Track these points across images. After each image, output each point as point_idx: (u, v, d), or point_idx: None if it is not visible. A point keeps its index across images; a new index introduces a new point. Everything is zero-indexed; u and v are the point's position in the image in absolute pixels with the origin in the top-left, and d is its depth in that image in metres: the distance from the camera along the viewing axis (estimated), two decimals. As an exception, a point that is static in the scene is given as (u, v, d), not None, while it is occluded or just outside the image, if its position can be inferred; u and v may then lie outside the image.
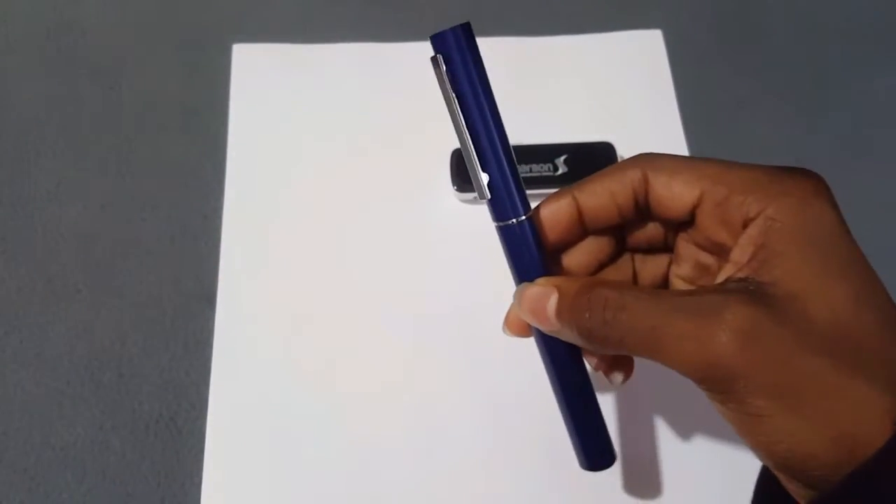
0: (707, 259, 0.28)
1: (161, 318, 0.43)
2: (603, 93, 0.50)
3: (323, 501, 0.39)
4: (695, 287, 0.29)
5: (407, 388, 0.41)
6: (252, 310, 0.43)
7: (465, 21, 0.26)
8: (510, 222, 0.28)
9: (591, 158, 0.46)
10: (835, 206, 0.24)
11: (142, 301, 0.43)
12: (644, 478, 0.40)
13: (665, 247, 0.30)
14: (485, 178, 0.27)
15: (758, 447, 0.23)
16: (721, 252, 0.27)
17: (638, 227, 0.30)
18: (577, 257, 0.30)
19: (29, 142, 0.48)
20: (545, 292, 0.27)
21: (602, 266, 0.30)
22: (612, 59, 0.51)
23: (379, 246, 0.45)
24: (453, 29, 0.26)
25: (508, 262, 0.29)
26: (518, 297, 0.28)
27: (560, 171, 0.46)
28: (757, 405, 0.22)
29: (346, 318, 0.43)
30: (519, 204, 0.28)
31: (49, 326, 0.43)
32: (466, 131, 0.27)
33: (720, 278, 0.25)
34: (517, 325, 0.29)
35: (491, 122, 0.27)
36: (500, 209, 0.28)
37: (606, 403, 0.40)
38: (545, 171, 0.46)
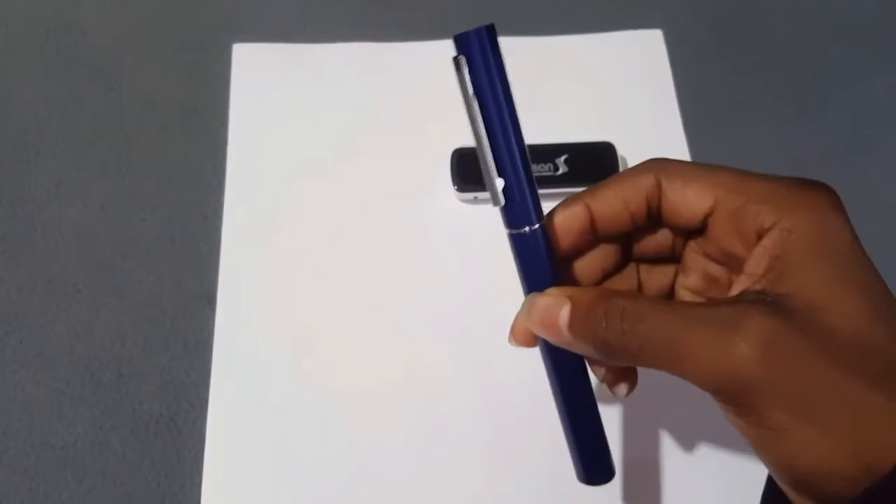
0: (717, 270, 0.28)
1: (161, 318, 0.43)
2: (603, 93, 0.50)
3: (323, 501, 0.39)
4: (703, 299, 0.29)
5: (407, 388, 0.41)
6: (252, 310, 0.43)
7: (490, 23, 0.26)
8: (524, 230, 0.27)
9: (591, 158, 0.46)
10: (848, 221, 0.24)
11: (142, 301, 0.43)
12: (644, 488, 0.40)
13: (672, 257, 0.30)
14: (500, 183, 0.26)
15: (775, 462, 0.23)
16: (733, 263, 0.26)
17: (646, 236, 0.29)
18: (583, 267, 0.29)
19: (29, 142, 0.48)
20: (557, 303, 0.26)
21: (607, 276, 0.30)
22: (612, 59, 0.51)
23: (379, 246, 0.45)
24: (477, 30, 0.25)
25: (518, 271, 0.28)
26: (527, 307, 0.27)
27: (560, 171, 0.46)
28: (776, 418, 0.22)
29: (346, 317, 0.43)
30: (533, 212, 0.27)
31: (49, 326, 0.43)
32: (485, 135, 0.26)
33: (735, 290, 0.25)
34: (524, 336, 0.28)
35: (510, 127, 0.26)
36: (514, 216, 0.27)
37: (608, 415, 0.40)
38: (545, 171, 0.46)
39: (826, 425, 0.22)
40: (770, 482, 0.25)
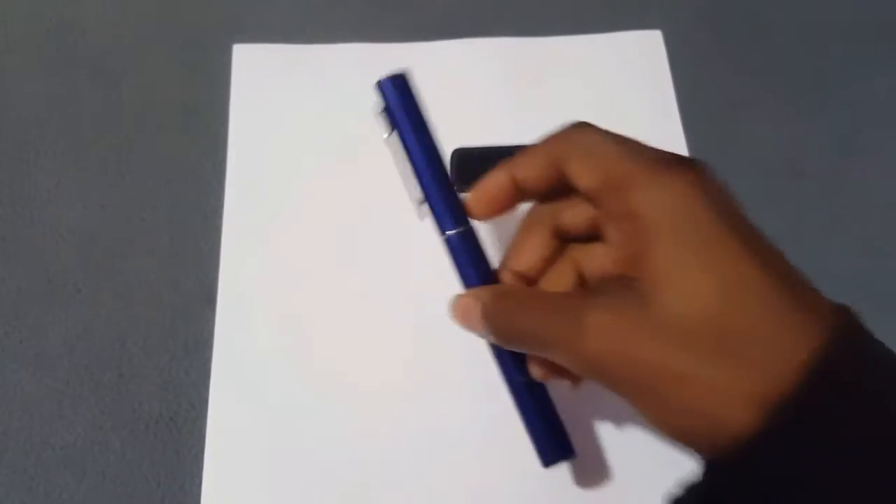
0: None
1: (161, 318, 0.43)
2: (603, 93, 0.50)
3: (323, 501, 0.39)
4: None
5: (407, 388, 0.41)
6: (252, 310, 0.43)
7: (402, 72, 0.33)
8: (444, 235, 0.32)
9: (591, 158, 0.46)
10: (713, 198, 0.24)
11: (142, 301, 0.43)
12: (645, 481, 0.40)
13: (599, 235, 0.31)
14: (420, 198, 0.32)
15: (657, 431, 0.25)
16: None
17: (572, 210, 0.30)
18: (523, 257, 0.31)
19: (29, 142, 0.48)
20: (470, 302, 0.30)
21: (549, 261, 0.31)
22: (612, 59, 0.51)
23: (379, 245, 0.45)
24: (391, 77, 0.32)
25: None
26: (451, 305, 0.31)
27: (560, 171, 0.46)
28: (626, 399, 0.24)
29: (346, 317, 0.43)
30: (450, 220, 0.31)
31: (49, 326, 0.43)
32: (408, 163, 0.32)
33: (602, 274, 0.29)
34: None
35: (426, 154, 0.32)
36: (439, 224, 0.32)
37: (600, 408, 0.40)
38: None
39: (659, 401, 0.24)
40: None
